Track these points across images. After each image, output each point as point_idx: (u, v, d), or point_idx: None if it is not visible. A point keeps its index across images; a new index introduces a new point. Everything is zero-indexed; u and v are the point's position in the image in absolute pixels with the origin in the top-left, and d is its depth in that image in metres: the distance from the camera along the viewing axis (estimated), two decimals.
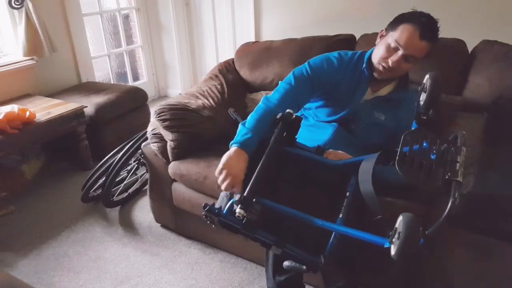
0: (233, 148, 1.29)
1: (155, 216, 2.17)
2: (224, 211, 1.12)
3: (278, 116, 1.31)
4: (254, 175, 1.16)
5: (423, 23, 1.36)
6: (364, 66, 1.52)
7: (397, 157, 1.02)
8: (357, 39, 2.05)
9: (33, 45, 2.83)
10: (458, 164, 1.00)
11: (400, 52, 1.38)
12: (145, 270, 1.90)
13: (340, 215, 1.20)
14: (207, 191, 1.79)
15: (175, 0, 3.78)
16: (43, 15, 2.84)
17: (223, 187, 1.25)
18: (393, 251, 0.92)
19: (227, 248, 1.96)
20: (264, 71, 2.18)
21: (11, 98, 2.78)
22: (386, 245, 0.97)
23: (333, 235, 1.16)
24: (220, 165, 1.26)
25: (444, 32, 1.90)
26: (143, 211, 2.32)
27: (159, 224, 2.19)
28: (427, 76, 1.26)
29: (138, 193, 2.48)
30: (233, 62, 2.35)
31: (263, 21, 3.49)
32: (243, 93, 2.23)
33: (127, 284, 1.82)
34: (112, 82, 3.78)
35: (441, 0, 2.67)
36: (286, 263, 1.21)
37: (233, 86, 2.19)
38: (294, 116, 1.31)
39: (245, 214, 1.07)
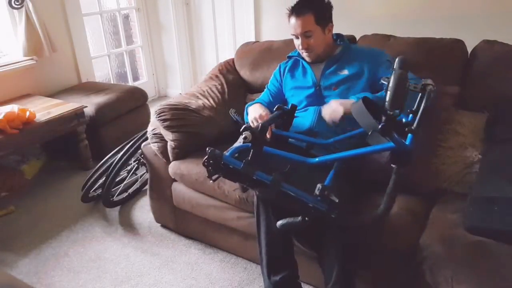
0: (249, 108, 1.79)
1: (155, 216, 2.17)
2: (228, 154, 1.17)
3: (276, 107, 1.53)
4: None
5: (293, 6, 1.66)
6: (290, 54, 1.86)
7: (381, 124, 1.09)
8: (357, 39, 2.05)
9: (33, 45, 2.83)
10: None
11: (298, 37, 1.68)
12: (145, 270, 1.90)
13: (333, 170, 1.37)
14: (207, 191, 1.80)
15: (175, 0, 3.78)
16: (43, 15, 2.84)
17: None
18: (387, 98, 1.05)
19: (227, 248, 1.96)
20: (265, 72, 2.17)
21: (11, 98, 2.78)
22: (390, 145, 1.07)
23: (330, 173, 1.31)
24: (250, 119, 1.70)
25: (444, 32, 1.91)
26: (143, 211, 2.32)
27: (159, 224, 2.19)
28: (392, 75, 1.22)
29: (138, 193, 2.49)
30: (233, 62, 2.35)
31: (263, 21, 3.49)
32: (243, 94, 2.23)
33: (127, 284, 1.83)
34: (112, 82, 3.78)
35: (441, 0, 2.68)
36: (279, 222, 1.22)
37: (234, 86, 2.19)
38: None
39: (252, 136, 1.15)
